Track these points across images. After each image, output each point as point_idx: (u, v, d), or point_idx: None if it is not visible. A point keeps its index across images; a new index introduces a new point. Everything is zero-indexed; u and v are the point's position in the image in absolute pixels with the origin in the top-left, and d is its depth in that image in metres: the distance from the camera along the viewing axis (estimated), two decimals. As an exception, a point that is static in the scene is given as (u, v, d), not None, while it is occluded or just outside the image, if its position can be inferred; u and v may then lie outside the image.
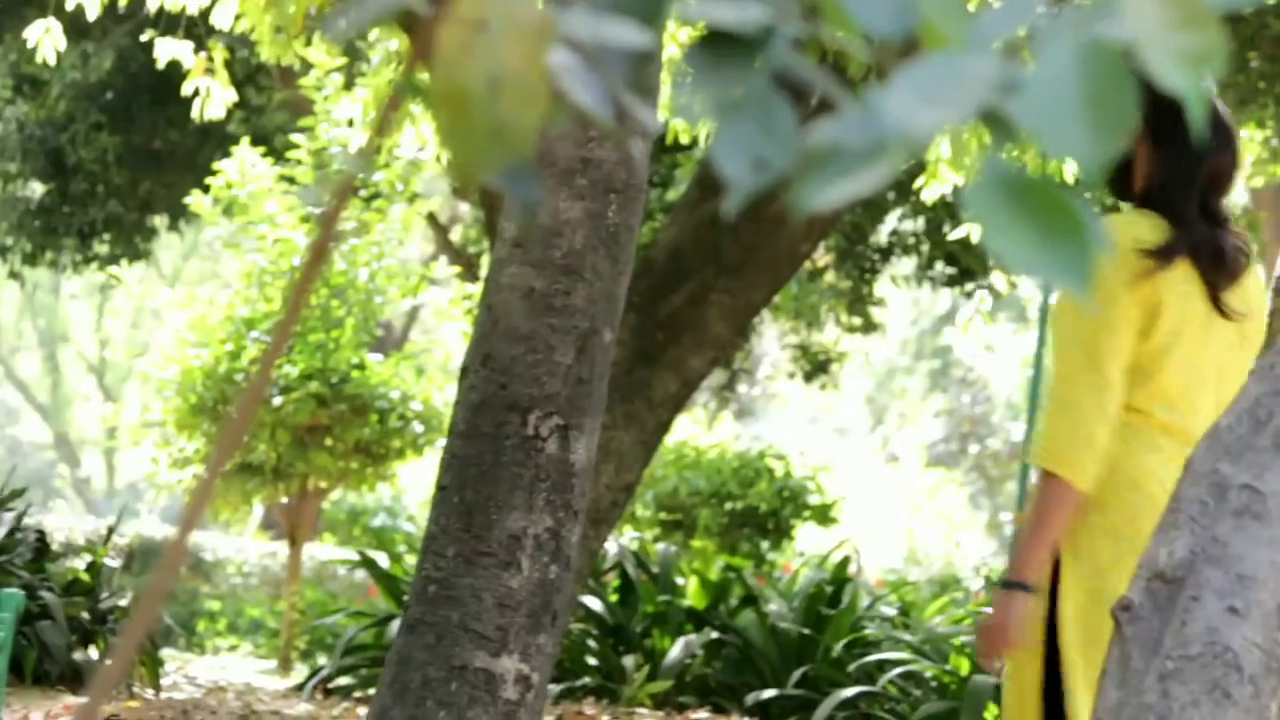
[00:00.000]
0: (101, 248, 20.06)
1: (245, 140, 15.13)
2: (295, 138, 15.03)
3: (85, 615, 11.54)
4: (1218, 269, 3.70)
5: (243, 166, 14.68)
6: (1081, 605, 3.60)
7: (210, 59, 9.65)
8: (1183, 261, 3.68)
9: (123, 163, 19.27)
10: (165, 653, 13.78)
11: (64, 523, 21.56)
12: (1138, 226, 3.69)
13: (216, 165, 14.88)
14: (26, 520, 12.38)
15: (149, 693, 11.23)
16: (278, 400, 14.02)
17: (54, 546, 12.30)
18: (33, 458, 43.96)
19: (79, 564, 12.10)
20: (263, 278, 14.61)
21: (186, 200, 15.49)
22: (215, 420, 14.63)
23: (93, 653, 11.62)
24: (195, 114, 9.70)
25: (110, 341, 43.85)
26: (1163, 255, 3.65)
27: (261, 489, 15.11)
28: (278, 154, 15.24)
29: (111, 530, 13.29)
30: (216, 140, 17.53)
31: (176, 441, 15.07)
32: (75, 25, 15.52)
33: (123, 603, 11.84)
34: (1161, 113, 3.53)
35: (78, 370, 45.08)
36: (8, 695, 9.13)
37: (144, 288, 26.44)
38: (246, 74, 16.92)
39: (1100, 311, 3.61)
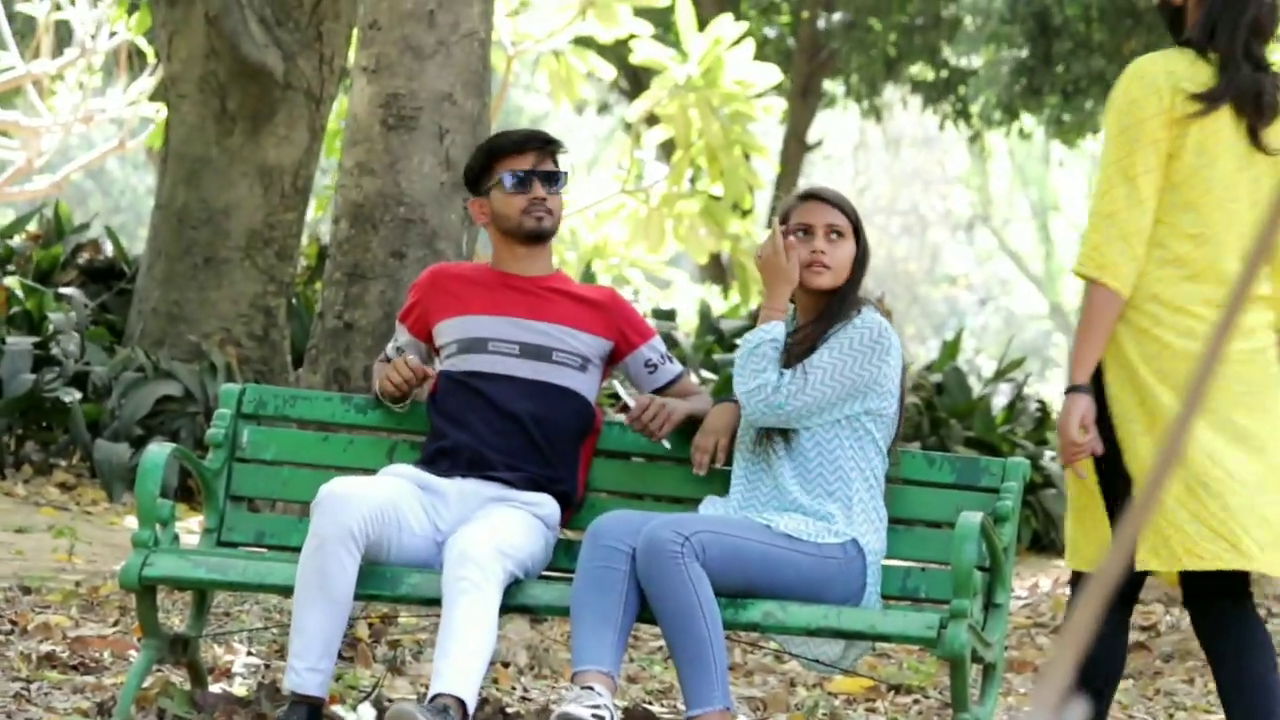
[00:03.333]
0: (1071, 114, 20.03)
1: None
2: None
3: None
4: (1258, 112, 4.11)
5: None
6: (1133, 399, 4.16)
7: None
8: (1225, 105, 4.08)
9: (1105, 19, 19.15)
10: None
11: (1062, 391, 21.82)
12: (1175, 62, 4.13)
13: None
14: (1026, 390, 12.59)
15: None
16: None
17: (1053, 416, 12.46)
18: (1029, 328, 44.76)
19: (1080, 432, 12.20)
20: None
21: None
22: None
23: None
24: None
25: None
26: (1209, 99, 4.08)
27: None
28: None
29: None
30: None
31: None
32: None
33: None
34: None
35: (1070, 239, 45.46)
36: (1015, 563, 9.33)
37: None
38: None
39: (1136, 132, 4.06)
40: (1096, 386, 4.23)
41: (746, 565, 4.64)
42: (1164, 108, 4.11)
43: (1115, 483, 4.26)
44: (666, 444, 5.13)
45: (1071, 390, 4.24)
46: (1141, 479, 4.12)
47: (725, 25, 14.25)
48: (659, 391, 5.20)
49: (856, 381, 4.78)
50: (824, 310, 4.89)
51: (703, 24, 14.46)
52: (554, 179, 5.15)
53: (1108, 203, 4.12)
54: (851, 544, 4.76)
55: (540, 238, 5.15)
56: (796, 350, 4.85)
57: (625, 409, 5.09)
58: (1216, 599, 4.28)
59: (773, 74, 14.37)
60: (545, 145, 5.18)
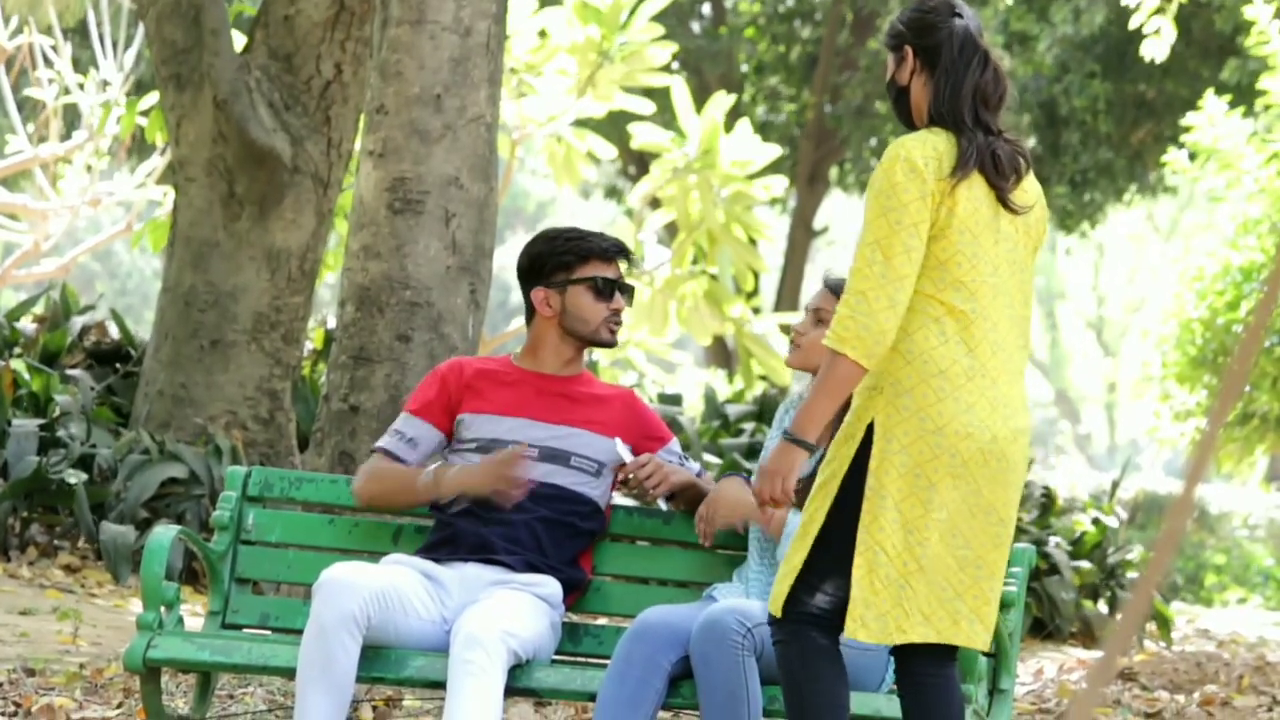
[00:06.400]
0: (1077, 204, 20.14)
1: (1210, 91, 14.76)
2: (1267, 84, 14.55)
3: (1094, 570, 11.61)
4: (1000, 174, 4.36)
5: (1212, 118, 14.33)
6: (895, 473, 4.21)
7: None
8: (974, 171, 4.35)
9: (1112, 111, 19.28)
10: (1174, 606, 13.68)
11: (1067, 479, 21.82)
12: (930, 141, 4.35)
13: (1184, 121, 14.60)
14: (1031, 477, 12.59)
15: (1160, 646, 11.18)
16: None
17: (1059, 503, 12.45)
18: (1034, 414, 44.69)
19: (1084, 520, 12.19)
20: (1257, 227, 14.24)
21: (1165, 158, 15.30)
22: (1215, 372, 14.40)
23: (1101, 607, 11.68)
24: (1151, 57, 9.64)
25: (1107, 298, 43.99)
26: (959, 170, 4.30)
27: (1264, 439, 14.77)
28: (1250, 101, 14.81)
29: (1115, 485, 13.33)
30: (1207, 86, 17.22)
31: (1177, 395, 14.95)
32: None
33: (1129, 557, 11.84)
34: (929, 49, 4.40)
35: (1076, 327, 45.48)
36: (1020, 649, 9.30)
37: (1138, 243, 26.34)
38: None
39: (899, 215, 4.24)
40: (860, 450, 4.27)
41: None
42: (926, 191, 4.28)
43: (831, 540, 4.27)
44: (663, 504, 5.16)
45: (797, 443, 4.28)
46: (872, 548, 4.21)
47: (719, 103, 14.31)
48: None
49: None
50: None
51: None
52: (630, 292, 5.24)
53: (860, 280, 4.25)
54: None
55: (607, 347, 5.23)
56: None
57: (624, 466, 5.11)
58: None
59: (771, 151, 14.42)
60: (627, 258, 5.25)
